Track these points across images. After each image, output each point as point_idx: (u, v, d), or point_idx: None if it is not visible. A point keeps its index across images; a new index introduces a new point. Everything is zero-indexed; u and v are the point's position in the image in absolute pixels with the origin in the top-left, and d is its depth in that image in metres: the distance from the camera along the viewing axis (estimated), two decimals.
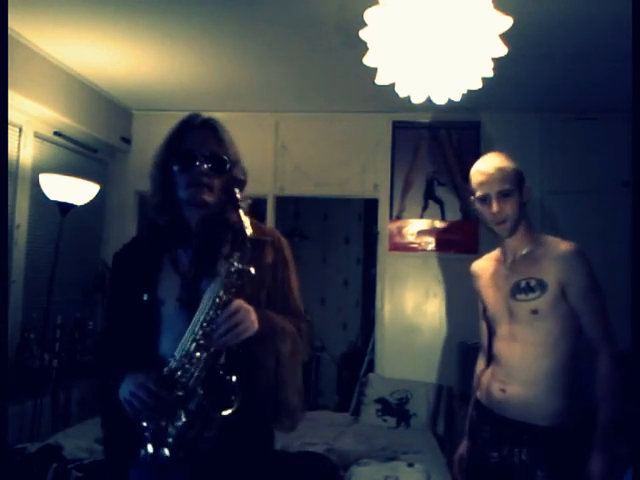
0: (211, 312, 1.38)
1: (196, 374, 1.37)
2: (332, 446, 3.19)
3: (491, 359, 1.98)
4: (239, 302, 1.40)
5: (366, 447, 3.27)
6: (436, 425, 3.82)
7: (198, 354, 1.37)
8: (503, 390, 1.84)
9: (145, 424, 1.38)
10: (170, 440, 1.36)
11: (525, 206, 1.88)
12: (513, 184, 1.85)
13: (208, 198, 1.50)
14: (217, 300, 1.38)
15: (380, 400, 3.88)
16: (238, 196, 1.44)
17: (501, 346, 1.89)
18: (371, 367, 4.26)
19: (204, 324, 1.38)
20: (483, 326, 2.10)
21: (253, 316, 1.41)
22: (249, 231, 1.41)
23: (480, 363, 2.11)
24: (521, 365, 1.82)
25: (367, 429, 3.69)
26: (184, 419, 1.36)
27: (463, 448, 2.06)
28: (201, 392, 1.35)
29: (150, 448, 1.37)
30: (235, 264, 1.40)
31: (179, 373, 1.38)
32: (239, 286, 1.40)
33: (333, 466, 2.87)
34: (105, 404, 1.57)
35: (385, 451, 3.21)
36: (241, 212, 1.43)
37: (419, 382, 3.94)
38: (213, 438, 1.39)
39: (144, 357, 1.46)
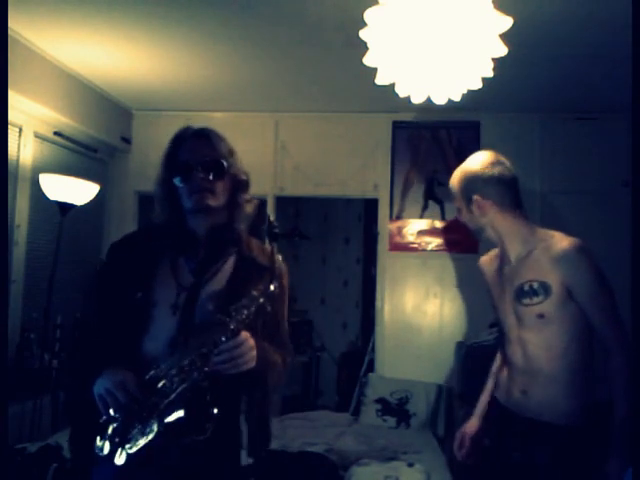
0: (218, 335, 1.36)
1: (179, 389, 1.34)
2: (332, 446, 3.19)
3: (505, 358, 1.97)
4: (246, 335, 1.39)
5: (366, 447, 3.27)
6: (436, 425, 3.82)
7: (188, 370, 1.35)
8: (524, 392, 1.82)
9: (111, 422, 1.35)
10: (132, 444, 1.33)
11: (485, 217, 1.87)
12: (458, 201, 1.94)
13: (212, 202, 1.50)
14: (229, 326, 1.37)
15: (380, 400, 3.88)
16: (277, 230, 1.46)
17: (513, 350, 1.87)
18: (371, 367, 4.26)
19: (208, 344, 1.36)
20: None
21: (254, 352, 1.41)
22: (281, 269, 1.47)
23: (498, 359, 2.09)
24: (536, 369, 1.80)
25: (367, 429, 3.69)
26: (155, 430, 1.32)
27: (470, 427, 2.05)
28: (181, 411, 1.32)
29: (107, 446, 1.34)
30: (260, 300, 1.40)
31: (163, 382, 1.36)
32: (251, 320, 1.40)
33: (333, 466, 2.87)
34: (73, 392, 1.55)
35: (385, 451, 3.21)
36: (275, 249, 1.45)
37: (419, 382, 3.94)
38: (176, 453, 1.37)
39: (125, 355, 1.43)
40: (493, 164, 1.87)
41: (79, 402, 1.48)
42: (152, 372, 1.38)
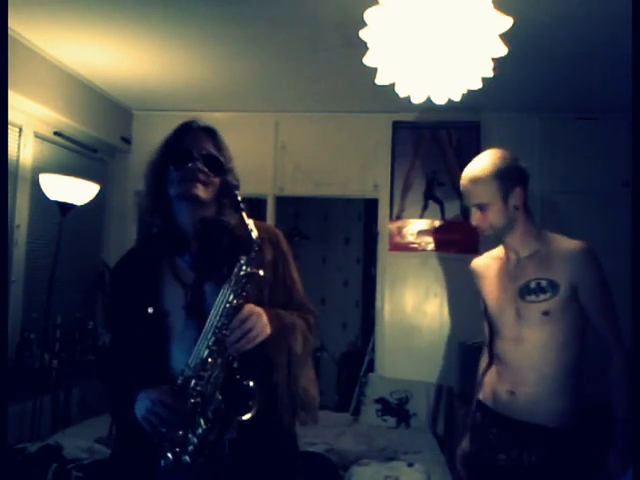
0: (222, 318, 1.37)
1: (212, 380, 1.36)
2: (332, 446, 3.19)
3: (493, 359, 1.97)
4: (250, 307, 1.39)
5: (366, 447, 3.27)
6: (436, 425, 3.81)
7: (212, 360, 1.36)
8: (512, 392, 1.82)
9: (164, 438, 1.36)
10: (190, 448, 1.34)
11: (517, 210, 1.82)
12: (490, 195, 1.79)
13: (201, 193, 1.48)
14: (227, 305, 1.37)
15: (380, 400, 3.88)
16: (239, 198, 1.43)
17: (507, 348, 1.86)
18: (371, 367, 4.26)
19: (216, 330, 1.37)
20: (486, 321, 2.07)
21: (265, 319, 1.41)
22: (255, 234, 1.41)
23: (483, 362, 2.08)
24: (530, 367, 1.80)
25: (367, 429, 3.69)
26: (203, 426, 1.34)
27: (467, 443, 2.03)
28: (219, 397, 1.34)
29: (170, 456, 1.35)
30: (244, 268, 1.39)
31: (194, 381, 1.37)
32: (249, 290, 1.40)
33: (333, 466, 2.87)
34: (121, 424, 1.56)
35: (385, 451, 3.21)
36: (244, 214, 1.42)
37: (419, 382, 3.94)
38: (233, 441, 1.38)
39: (156, 371, 1.44)
40: (518, 160, 1.85)
41: (128, 427, 1.47)
42: (181, 376, 1.38)
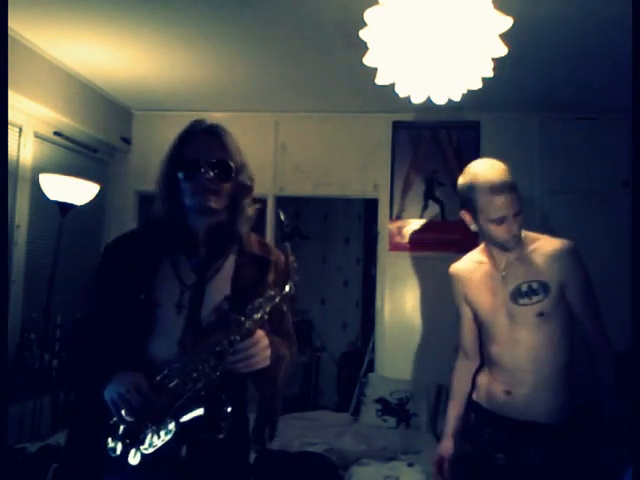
0: (233, 335, 1.36)
1: (193, 389, 1.34)
2: (332, 446, 3.19)
3: (484, 362, 1.97)
4: (262, 334, 1.40)
5: (366, 447, 3.27)
6: (436, 425, 3.81)
7: (202, 370, 1.35)
8: (509, 392, 1.82)
9: (122, 423, 1.34)
10: (145, 446, 1.32)
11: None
12: (518, 198, 1.76)
13: (214, 205, 1.49)
14: (242, 325, 1.37)
15: (380, 400, 3.88)
16: (288, 229, 1.48)
17: (502, 351, 1.86)
18: (371, 367, 4.26)
19: (224, 342, 1.36)
20: (466, 327, 2.03)
21: (269, 351, 1.42)
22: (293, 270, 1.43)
23: (464, 365, 2.06)
24: (527, 368, 1.81)
25: (367, 429, 3.69)
26: (172, 429, 1.32)
27: (447, 450, 2.02)
28: (200, 410, 1.33)
29: (119, 447, 1.33)
30: (277, 300, 1.41)
31: (176, 382, 1.35)
32: (266, 320, 1.41)
33: (333, 466, 2.87)
34: (80, 395, 1.54)
35: (385, 451, 3.21)
36: (289, 250, 1.45)
37: (419, 382, 3.94)
38: (192, 447, 1.36)
39: (131, 356, 1.42)
40: None
41: (86, 404, 1.46)
42: (164, 372, 1.37)
